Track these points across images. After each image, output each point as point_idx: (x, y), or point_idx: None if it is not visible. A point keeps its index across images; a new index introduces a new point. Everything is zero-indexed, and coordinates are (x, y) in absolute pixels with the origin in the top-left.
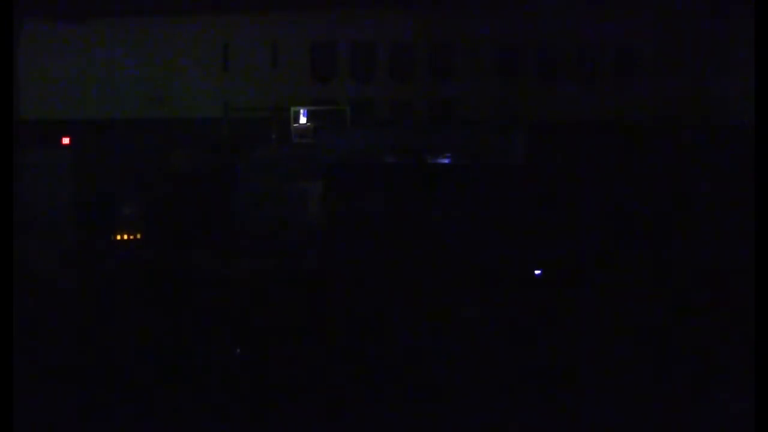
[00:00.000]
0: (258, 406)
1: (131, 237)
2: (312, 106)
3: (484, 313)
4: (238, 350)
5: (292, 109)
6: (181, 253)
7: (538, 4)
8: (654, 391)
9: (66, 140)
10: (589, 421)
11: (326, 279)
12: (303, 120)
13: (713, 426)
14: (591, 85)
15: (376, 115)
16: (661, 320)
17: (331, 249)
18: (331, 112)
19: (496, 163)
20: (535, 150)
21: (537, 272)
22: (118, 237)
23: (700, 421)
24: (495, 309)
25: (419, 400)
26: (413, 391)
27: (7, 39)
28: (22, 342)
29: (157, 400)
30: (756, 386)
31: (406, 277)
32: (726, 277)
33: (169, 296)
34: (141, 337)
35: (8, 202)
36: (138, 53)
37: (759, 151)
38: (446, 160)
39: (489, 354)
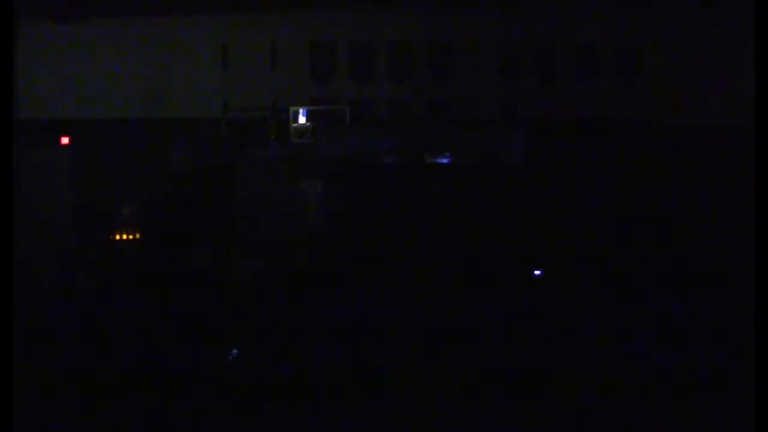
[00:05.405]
0: (256, 407)
1: (131, 237)
2: (311, 105)
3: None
4: (235, 351)
5: (292, 108)
6: (180, 253)
7: (537, 4)
8: (653, 391)
9: (65, 140)
10: (588, 422)
11: (326, 279)
12: (302, 120)
13: (713, 426)
14: (590, 84)
15: (376, 115)
16: (660, 319)
17: (330, 249)
18: (330, 111)
19: (495, 162)
20: (534, 149)
21: (537, 272)
22: (118, 237)
23: (700, 421)
24: (495, 309)
25: (418, 400)
26: (413, 391)
27: (7, 39)
28: (22, 342)
29: (156, 401)
30: (756, 386)
31: (406, 277)
32: (726, 277)
33: (168, 296)
34: (140, 338)
35: (8, 202)
36: (137, 53)
37: (759, 151)
38: (446, 160)
39: (488, 354)
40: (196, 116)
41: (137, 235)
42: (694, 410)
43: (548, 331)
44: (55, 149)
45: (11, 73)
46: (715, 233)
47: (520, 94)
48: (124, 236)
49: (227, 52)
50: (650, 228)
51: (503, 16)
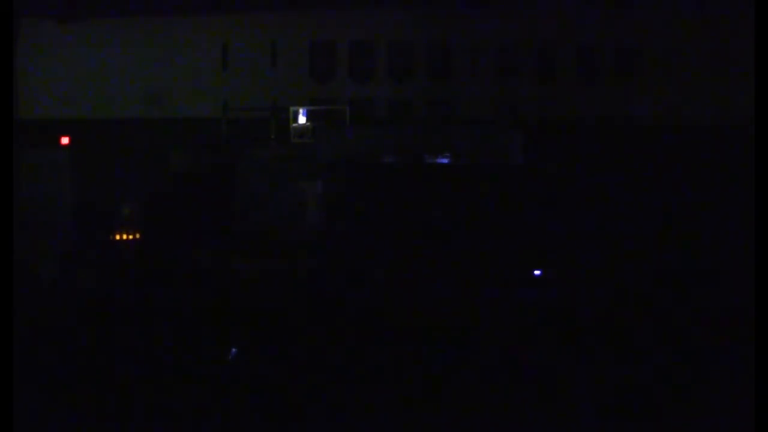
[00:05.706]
0: (256, 405)
1: (131, 237)
2: (311, 105)
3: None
4: (234, 350)
5: (291, 108)
6: (180, 253)
7: (537, 4)
8: (653, 391)
9: (66, 140)
10: (587, 420)
11: (325, 278)
12: (302, 119)
13: (713, 426)
14: (590, 85)
15: (376, 115)
16: (660, 320)
17: (330, 248)
18: (330, 111)
19: (496, 163)
20: (534, 149)
21: (537, 272)
22: (118, 237)
23: (700, 421)
24: (495, 308)
25: (418, 399)
26: (412, 390)
27: (7, 39)
28: (23, 342)
29: (156, 399)
30: (756, 386)
31: (406, 276)
32: (726, 277)
33: (168, 295)
34: (140, 337)
35: (8, 202)
36: (138, 53)
37: (759, 151)
38: (446, 160)
39: (488, 353)
40: (196, 116)
41: (137, 235)
42: (694, 409)
43: (547, 328)
44: (55, 149)
45: (11, 73)
46: (714, 232)
47: (520, 94)
48: (124, 236)
49: (227, 52)
50: (650, 227)
51: (503, 16)
